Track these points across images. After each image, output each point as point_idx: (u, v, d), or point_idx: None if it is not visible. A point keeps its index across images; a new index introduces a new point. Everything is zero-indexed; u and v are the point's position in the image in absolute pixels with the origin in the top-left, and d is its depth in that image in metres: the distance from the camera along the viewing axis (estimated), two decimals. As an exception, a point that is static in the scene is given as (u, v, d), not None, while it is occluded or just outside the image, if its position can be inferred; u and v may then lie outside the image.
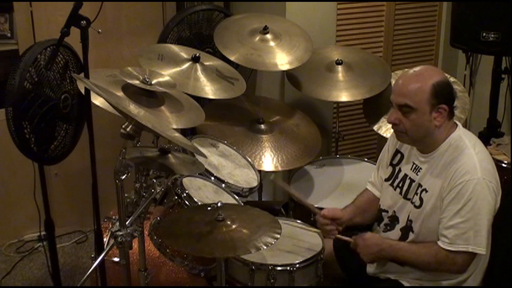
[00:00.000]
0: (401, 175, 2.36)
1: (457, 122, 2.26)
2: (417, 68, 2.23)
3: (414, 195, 2.27)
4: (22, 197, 3.45)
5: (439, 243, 2.14)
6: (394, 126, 2.24)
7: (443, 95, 2.15)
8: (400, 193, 2.34)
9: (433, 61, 3.98)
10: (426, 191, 2.22)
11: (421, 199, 2.24)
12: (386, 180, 2.43)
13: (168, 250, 2.40)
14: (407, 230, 2.28)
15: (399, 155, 2.41)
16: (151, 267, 2.41)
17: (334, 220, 2.45)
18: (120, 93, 2.52)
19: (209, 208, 2.19)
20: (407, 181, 2.32)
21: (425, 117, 2.16)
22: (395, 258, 2.26)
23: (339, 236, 2.43)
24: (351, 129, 3.79)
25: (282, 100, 3.61)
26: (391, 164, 2.43)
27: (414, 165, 2.30)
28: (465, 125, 2.30)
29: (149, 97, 2.60)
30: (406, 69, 2.34)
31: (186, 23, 3.36)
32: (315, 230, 2.50)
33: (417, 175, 2.28)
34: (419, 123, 2.17)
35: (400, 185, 2.35)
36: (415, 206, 2.26)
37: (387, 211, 2.39)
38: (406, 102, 2.15)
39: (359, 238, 2.33)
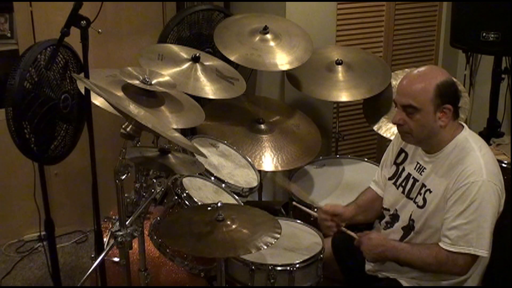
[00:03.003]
0: (404, 174, 2.36)
1: (463, 124, 2.26)
2: (421, 68, 2.22)
3: (417, 195, 2.27)
4: (22, 197, 3.45)
5: (441, 244, 2.14)
6: (398, 126, 2.24)
7: (447, 95, 2.15)
8: (403, 192, 2.33)
9: (433, 61, 3.97)
10: (430, 192, 2.22)
11: (424, 199, 2.23)
12: (390, 178, 2.43)
13: (168, 250, 2.40)
14: (409, 229, 2.28)
15: (403, 154, 2.40)
16: (151, 267, 2.41)
17: (335, 216, 2.44)
18: (120, 93, 2.52)
19: (209, 208, 2.19)
20: (411, 181, 2.32)
21: (430, 117, 2.15)
22: (397, 259, 2.26)
23: (345, 229, 2.42)
24: (351, 129, 3.79)
25: (282, 100, 3.61)
26: (395, 163, 2.43)
27: (418, 165, 2.30)
28: (465, 125, 2.29)
29: (149, 97, 2.60)
30: (410, 69, 2.33)
31: (186, 23, 3.36)
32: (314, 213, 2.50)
33: (421, 175, 2.27)
34: (424, 123, 2.16)
35: (403, 184, 2.35)
36: (418, 206, 2.25)
37: (388, 210, 2.39)
38: (410, 102, 2.15)
39: (365, 236, 2.33)
